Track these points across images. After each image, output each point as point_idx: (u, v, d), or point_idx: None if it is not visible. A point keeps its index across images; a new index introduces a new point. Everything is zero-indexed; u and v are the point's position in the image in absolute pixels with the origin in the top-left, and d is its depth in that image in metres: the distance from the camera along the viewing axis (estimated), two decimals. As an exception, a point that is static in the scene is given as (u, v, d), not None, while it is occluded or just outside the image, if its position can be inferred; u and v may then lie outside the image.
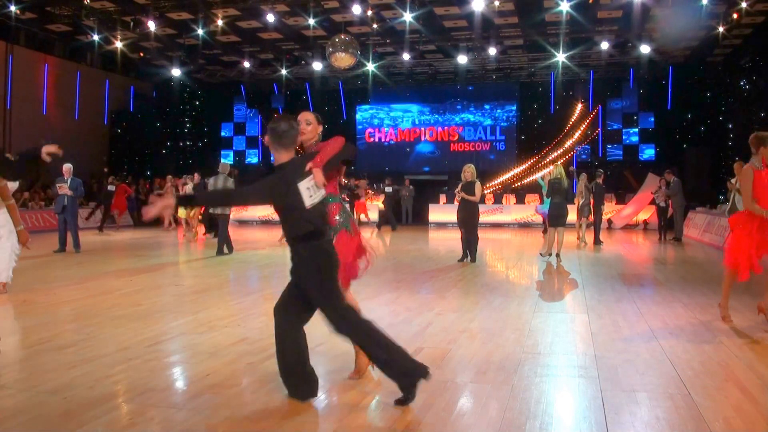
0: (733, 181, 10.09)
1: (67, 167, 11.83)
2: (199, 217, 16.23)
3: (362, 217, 20.66)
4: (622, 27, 19.00)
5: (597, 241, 14.29)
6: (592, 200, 14.53)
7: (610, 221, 18.94)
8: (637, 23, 17.69)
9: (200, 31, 19.10)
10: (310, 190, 3.54)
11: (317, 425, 3.35)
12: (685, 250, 13.64)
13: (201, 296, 7.32)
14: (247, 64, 22.98)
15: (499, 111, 25.22)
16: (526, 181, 24.30)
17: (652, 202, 17.41)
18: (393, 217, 20.48)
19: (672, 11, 16.40)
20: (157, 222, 20.90)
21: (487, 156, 25.02)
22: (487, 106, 25.33)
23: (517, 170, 24.52)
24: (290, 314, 3.65)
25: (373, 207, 21.69)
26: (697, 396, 3.74)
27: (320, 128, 4.12)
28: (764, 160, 5.72)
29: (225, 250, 11.79)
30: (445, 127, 25.71)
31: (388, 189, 21.09)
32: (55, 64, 22.16)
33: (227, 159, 26.86)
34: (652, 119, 23.70)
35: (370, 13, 17.61)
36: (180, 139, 26.83)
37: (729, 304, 6.21)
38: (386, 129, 26.23)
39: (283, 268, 10.64)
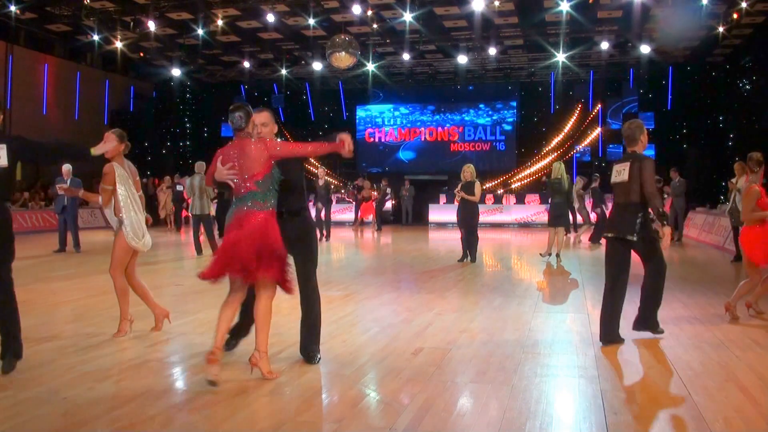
0: (733, 180, 10.07)
1: (67, 168, 11.82)
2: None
3: (369, 218, 20.69)
4: (622, 27, 19.00)
5: (595, 239, 14.33)
6: (590, 202, 14.55)
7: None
8: (637, 23, 17.70)
9: (200, 31, 19.10)
10: None
11: (317, 425, 3.35)
12: (685, 250, 13.63)
13: (201, 296, 7.31)
14: (247, 64, 22.98)
15: (499, 111, 25.21)
16: (526, 181, 24.31)
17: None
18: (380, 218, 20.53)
19: (672, 11, 16.40)
20: (156, 222, 20.94)
21: (487, 156, 25.02)
22: (487, 106, 25.33)
23: (516, 170, 24.52)
24: None
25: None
26: (697, 396, 3.74)
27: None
28: None
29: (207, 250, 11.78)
30: (445, 127, 25.71)
31: (387, 189, 21.14)
32: (55, 64, 22.16)
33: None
34: (652, 119, 23.70)
35: (370, 13, 17.62)
36: (180, 139, 26.82)
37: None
38: (386, 129, 26.23)
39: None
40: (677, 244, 14.80)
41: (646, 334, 5.35)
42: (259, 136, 4.16)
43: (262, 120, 4.22)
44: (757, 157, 6.26)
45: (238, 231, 3.95)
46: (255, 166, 4.00)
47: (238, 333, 4.65)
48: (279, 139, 4.37)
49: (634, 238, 4.98)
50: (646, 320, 5.24)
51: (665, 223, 5.16)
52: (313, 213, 15.51)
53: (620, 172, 5.12)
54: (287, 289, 4.12)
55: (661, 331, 5.24)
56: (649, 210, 5.02)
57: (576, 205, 14.35)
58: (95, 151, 4.87)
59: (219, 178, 4.09)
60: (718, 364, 4.45)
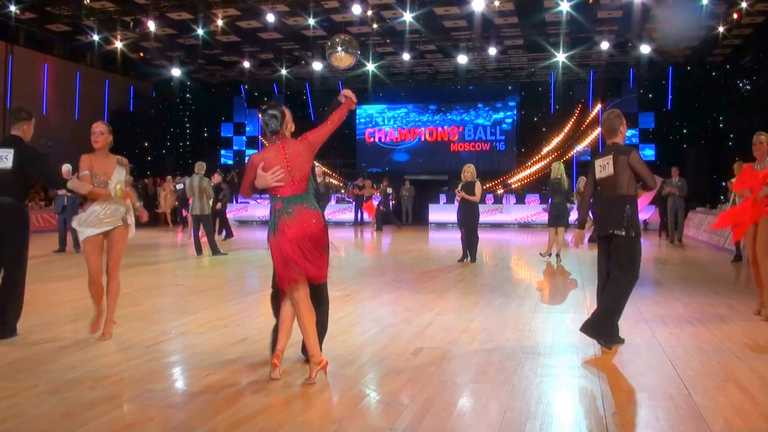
0: (733, 180, 10.07)
1: (66, 168, 11.80)
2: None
3: (366, 216, 20.75)
4: (622, 27, 19.01)
5: (594, 240, 14.33)
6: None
7: None
8: (637, 23, 17.71)
9: (200, 31, 19.11)
10: None
11: (317, 425, 3.35)
12: (685, 250, 13.63)
13: (201, 296, 7.32)
14: (247, 64, 22.99)
15: (499, 111, 25.22)
16: (525, 181, 24.31)
17: (654, 202, 17.33)
18: (394, 216, 20.60)
19: (672, 11, 16.41)
20: (157, 222, 20.96)
21: (487, 156, 25.02)
22: (487, 106, 25.33)
23: (516, 170, 24.53)
24: None
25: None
26: (697, 396, 3.74)
27: (293, 126, 4.32)
28: None
29: (221, 249, 11.81)
30: (445, 127, 25.71)
31: (389, 189, 21.15)
32: (55, 64, 22.17)
33: (227, 159, 26.94)
34: (652, 119, 23.70)
35: (370, 13, 17.62)
36: (180, 139, 26.84)
37: (731, 304, 6.21)
38: (386, 129, 26.24)
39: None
40: (677, 245, 14.72)
41: (646, 335, 5.35)
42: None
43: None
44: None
45: (302, 232, 3.96)
46: (305, 165, 4.07)
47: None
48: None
49: (622, 233, 4.77)
50: (601, 332, 4.78)
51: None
52: None
53: (604, 167, 4.91)
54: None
55: (621, 341, 4.80)
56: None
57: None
58: (75, 186, 4.99)
59: (262, 185, 4.00)
60: (718, 364, 4.45)
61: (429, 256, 12.39)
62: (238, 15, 18.75)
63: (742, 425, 3.33)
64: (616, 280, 4.84)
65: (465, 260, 10.73)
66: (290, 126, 4.27)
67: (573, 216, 14.54)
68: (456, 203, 11.02)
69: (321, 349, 4.32)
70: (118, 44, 20.16)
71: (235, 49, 22.27)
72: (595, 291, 7.47)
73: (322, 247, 4.07)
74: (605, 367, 4.38)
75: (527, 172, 24.37)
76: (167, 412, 3.49)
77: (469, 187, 10.51)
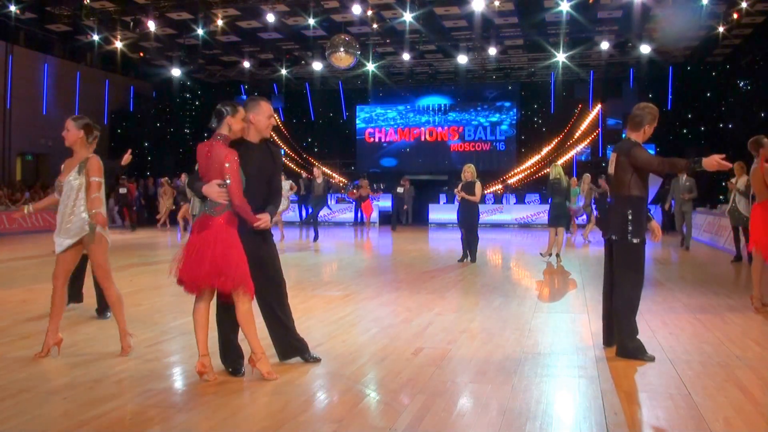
0: (733, 180, 10.08)
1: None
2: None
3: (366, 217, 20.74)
4: (622, 27, 19.00)
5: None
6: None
7: None
8: (637, 23, 17.70)
9: (200, 31, 19.09)
10: None
11: (317, 425, 3.35)
12: (686, 250, 13.60)
13: (201, 296, 7.30)
14: (247, 64, 22.98)
15: (498, 111, 25.22)
16: (525, 181, 24.32)
17: (654, 201, 17.34)
18: (395, 218, 20.56)
19: (672, 11, 16.40)
20: (154, 222, 20.95)
21: (487, 156, 25.02)
22: (486, 106, 25.33)
23: (516, 170, 24.54)
24: None
25: (375, 207, 21.83)
26: (697, 396, 3.74)
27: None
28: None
29: None
30: (445, 127, 25.71)
31: (400, 189, 21.06)
32: (55, 64, 22.16)
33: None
34: (652, 119, 23.69)
35: (370, 13, 17.61)
36: (180, 139, 26.83)
37: (731, 304, 6.19)
38: (386, 129, 26.24)
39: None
40: (683, 249, 14.05)
41: (646, 335, 5.34)
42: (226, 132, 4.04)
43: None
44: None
45: (197, 237, 4.06)
46: (213, 171, 3.97)
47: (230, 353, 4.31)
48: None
49: (619, 238, 4.47)
50: (626, 348, 4.53)
51: (697, 163, 4.29)
52: (304, 213, 15.32)
53: (611, 163, 4.64)
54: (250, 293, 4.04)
55: (651, 358, 4.49)
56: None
57: (581, 204, 14.39)
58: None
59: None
60: (718, 364, 4.45)
61: (429, 256, 12.39)
62: (238, 15, 18.74)
63: (742, 425, 3.33)
64: (619, 284, 4.59)
65: (465, 260, 10.73)
66: (236, 125, 4.02)
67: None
68: (456, 203, 11.02)
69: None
70: (118, 44, 20.14)
71: (235, 49, 22.26)
72: (595, 291, 7.50)
73: (219, 260, 3.90)
74: (605, 367, 4.38)
75: (527, 172, 24.36)
76: (167, 412, 3.49)
77: (469, 187, 10.51)
